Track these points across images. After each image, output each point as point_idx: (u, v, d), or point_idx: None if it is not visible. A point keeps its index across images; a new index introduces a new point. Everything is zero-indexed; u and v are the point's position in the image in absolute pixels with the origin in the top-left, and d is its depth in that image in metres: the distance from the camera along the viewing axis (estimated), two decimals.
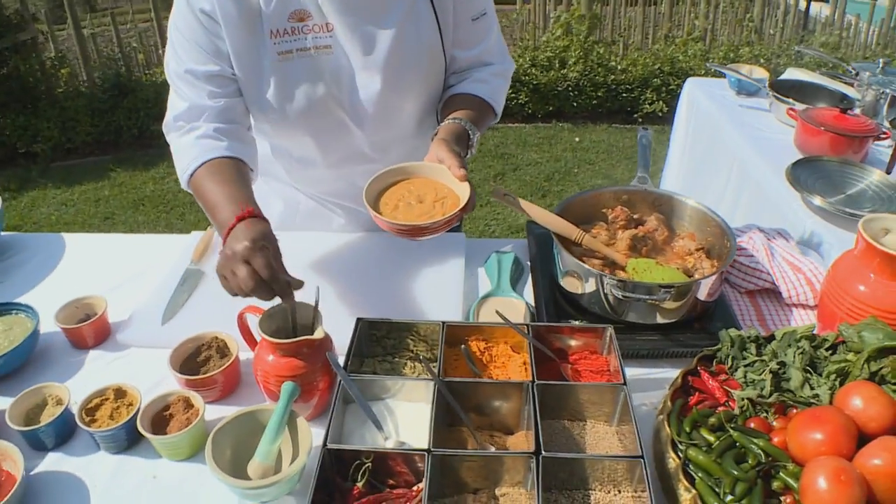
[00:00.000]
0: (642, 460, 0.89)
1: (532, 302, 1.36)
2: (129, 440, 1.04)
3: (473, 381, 1.01)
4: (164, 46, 5.76)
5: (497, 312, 1.14)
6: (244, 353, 1.18)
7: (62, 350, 1.27)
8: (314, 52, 1.27)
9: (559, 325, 1.17)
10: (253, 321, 1.10)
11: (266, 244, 1.01)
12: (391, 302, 1.33)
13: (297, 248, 1.33)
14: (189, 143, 1.27)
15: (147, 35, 6.13)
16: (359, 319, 1.10)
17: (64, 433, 1.07)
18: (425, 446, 0.88)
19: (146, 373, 1.19)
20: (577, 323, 1.22)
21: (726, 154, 2.51)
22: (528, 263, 1.50)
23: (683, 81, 5.53)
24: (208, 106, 1.27)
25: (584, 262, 1.24)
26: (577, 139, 5.28)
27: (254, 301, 1.08)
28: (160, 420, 1.03)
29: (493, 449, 0.96)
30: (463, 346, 1.11)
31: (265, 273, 0.97)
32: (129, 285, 1.45)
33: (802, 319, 1.39)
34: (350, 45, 1.28)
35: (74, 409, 1.06)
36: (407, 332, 1.14)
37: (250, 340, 1.14)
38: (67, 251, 1.61)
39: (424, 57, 1.34)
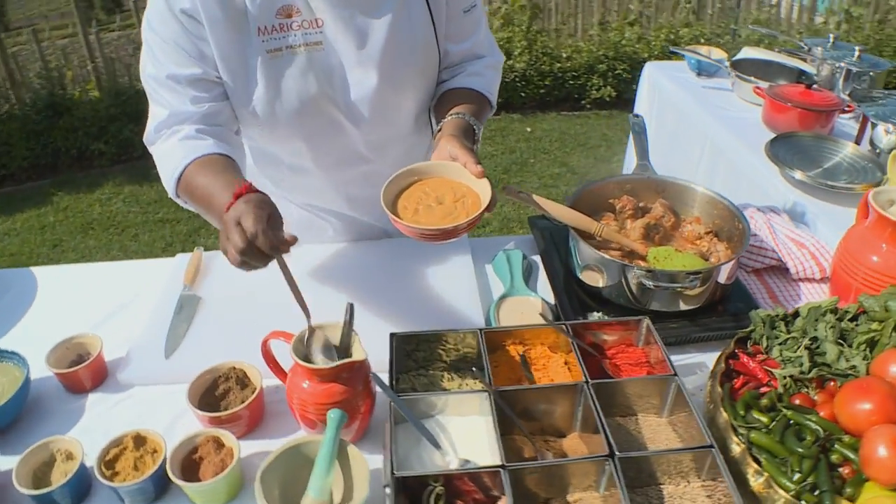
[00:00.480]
0: (713, 449, 0.87)
1: (548, 298, 1.33)
2: (157, 491, 0.95)
3: (527, 388, 0.97)
4: (92, 62, 5.48)
5: (540, 315, 1.10)
6: (266, 380, 1.10)
7: (57, 396, 1.17)
8: (304, 49, 1.20)
9: (596, 321, 1.14)
10: (280, 346, 1.02)
11: (260, 207, 0.95)
12: (408, 312, 1.27)
13: (297, 263, 1.26)
14: (172, 147, 1.20)
15: (68, 52, 5.86)
16: (392, 335, 1.04)
17: (81, 491, 0.97)
18: (490, 461, 0.84)
19: (157, 413, 1.10)
20: (604, 317, 1.19)
21: (696, 134, 2.54)
22: (537, 258, 1.47)
23: (629, 66, 5.65)
24: (191, 112, 1.20)
25: (603, 252, 1.22)
26: (528, 129, 5.29)
27: (277, 325, 1.01)
28: (190, 465, 0.95)
29: (550, 455, 0.92)
30: (521, 354, 1.07)
31: (252, 229, 0.91)
32: (118, 318, 1.35)
33: (811, 293, 1.41)
34: (342, 39, 1.22)
35: (89, 463, 0.97)
36: (436, 342, 1.09)
37: (277, 369, 1.06)
38: (41, 286, 1.48)
39: (419, 49, 1.28)
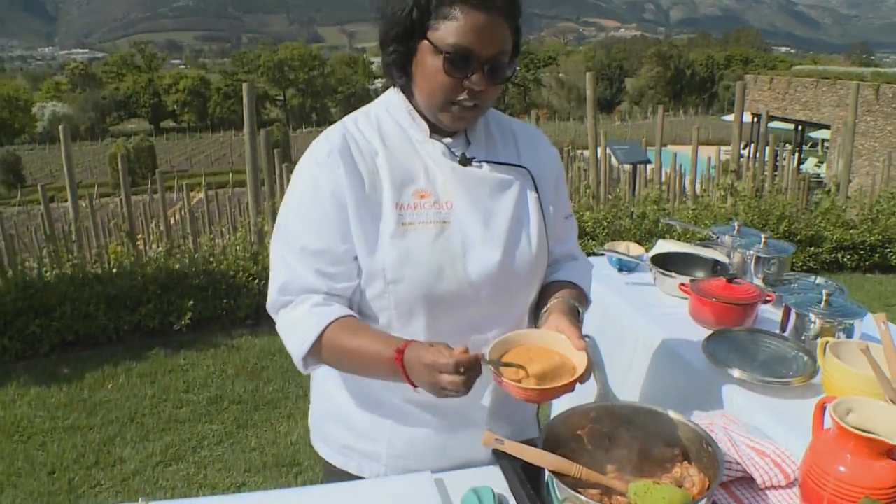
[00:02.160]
0: None
1: None
2: None
3: None
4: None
5: None
6: None
7: None
8: (434, 224, 1.35)
9: None
10: None
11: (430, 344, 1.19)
12: None
13: None
14: (304, 314, 1.34)
15: None
16: None
17: None
18: None
19: None
20: None
21: (626, 333, 2.61)
22: (507, 495, 1.44)
23: None
24: (320, 285, 1.35)
25: (580, 493, 1.22)
26: None
27: None
28: None
29: None
30: None
31: (446, 359, 1.14)
32: None
33: (781, 500, 1.45)
34: (469, 219, 1.38)
35: None
36: None
37: None
38: None
39: (535, 237, 1.45)
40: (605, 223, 6.51)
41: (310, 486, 1.47)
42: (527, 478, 1.43)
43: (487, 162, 1.43)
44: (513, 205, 1.43)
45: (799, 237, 6.57)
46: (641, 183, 7.66)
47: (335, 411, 1.58)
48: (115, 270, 5.48)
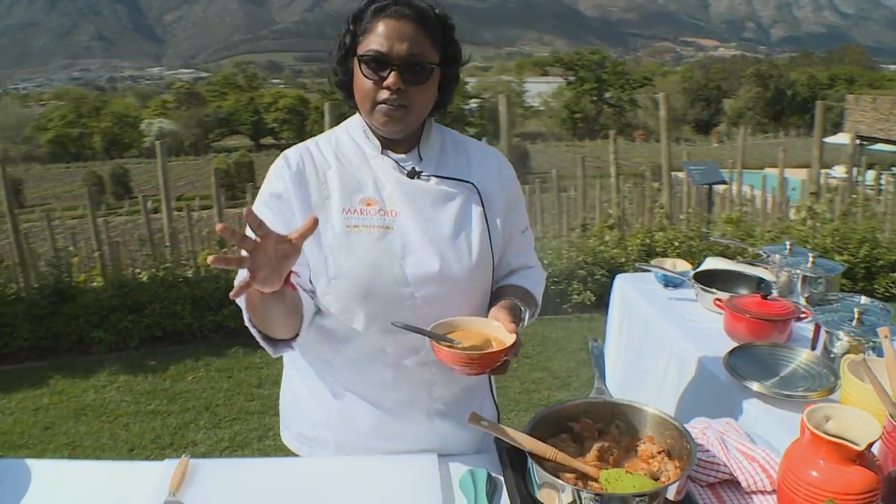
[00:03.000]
0: None
1: None
2: None
3: None
4: (100, 248, 5.83)
5: None
6: None
7: None
8: (378, 229, 1.48)
9: None
10: None
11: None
12: None
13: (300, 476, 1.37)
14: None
15: (76, 233, 6.24)
16: None
17: None
18: None
19: None
20: None
21: (662, 346, 2.68)
22: (502, 478, 1.56)
23: (607, 270, 6.01)
24: None
25: (559, 477, 1.33)
26: None
27: None
28: None
29: None
30: None
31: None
32: None
33: None
34: (411, 226, 1.50)
35: None
36: None
37: None
38: (34, 479, 1.56)
39: (476, 246, 1.55)
40: (677, 243, 6.44)
41: (322, 458, 1.63)
42: (518, 464, 1.55)
43: (436, 176, 1.55)
44: (454, 215, 1.54)
45: (880, 262, 6.27)
46: (721, 204, 7.51)
47: (292, 401, 1.75)
48: (202, 274, 5.93)
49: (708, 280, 2.75)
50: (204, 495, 1.48)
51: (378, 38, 1.42)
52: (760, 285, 2.68)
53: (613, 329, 3.27)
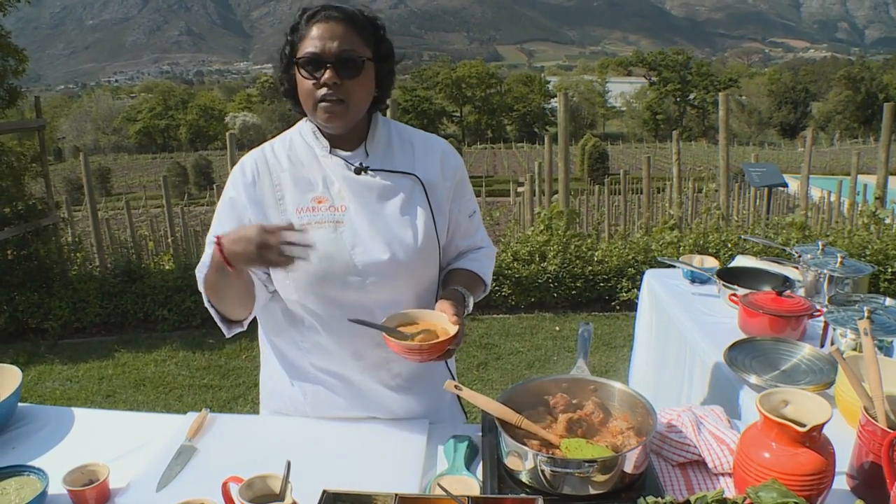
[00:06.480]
0: None
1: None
2: None
3: None
4: (173, 234, 6.27)
5: (439, 485, 1.32)
6: None
7: None
8: (329, 224, 1.60)
9: (496, 496, 1.35)
10: (234, 489, 1.29)
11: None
12: (358, 477, 1.52)
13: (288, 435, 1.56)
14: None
15: (157, 221, 6.64)
16: (324, 491, 1.28)
17: None
18: None
19: None
20: (512, 495, 1.40)
21: (679, 339, 2.75)
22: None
23: None
24: None
25: (524, 443, 1.45)
26: (557, 328, 5.58)
27: (237, 471, 1.28)
28: None
29: None
30: None
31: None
32: (130, 457, 1.63)
33: (727, 486, 1.56)
34: (359, 219, 1.61)
35: None
36: (367, 503, 1.31)
37: None
38: (76, 423, 1.80)
39: (421, 234, 1.66)
40: (730, 244, 6.35)
41: (323, 420, 1.79)
42: (489, 431, 1.67)
43: (381, 171, 1.66)
44: (399, 206, 1.65)
45: None
46: (777, 207, 7.34)
47: (266, 379, 1.91)
48: None
49: (734, 277, 2.77)
50: (217, 442, 1.68)
51: (312, 41, 1.53)
52: (784, 283, 2.69)
53: (643, 320, 3.34)
